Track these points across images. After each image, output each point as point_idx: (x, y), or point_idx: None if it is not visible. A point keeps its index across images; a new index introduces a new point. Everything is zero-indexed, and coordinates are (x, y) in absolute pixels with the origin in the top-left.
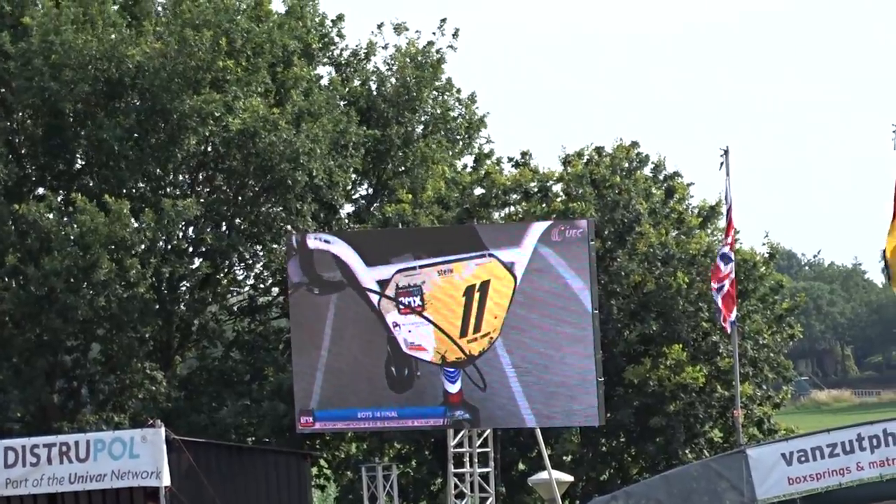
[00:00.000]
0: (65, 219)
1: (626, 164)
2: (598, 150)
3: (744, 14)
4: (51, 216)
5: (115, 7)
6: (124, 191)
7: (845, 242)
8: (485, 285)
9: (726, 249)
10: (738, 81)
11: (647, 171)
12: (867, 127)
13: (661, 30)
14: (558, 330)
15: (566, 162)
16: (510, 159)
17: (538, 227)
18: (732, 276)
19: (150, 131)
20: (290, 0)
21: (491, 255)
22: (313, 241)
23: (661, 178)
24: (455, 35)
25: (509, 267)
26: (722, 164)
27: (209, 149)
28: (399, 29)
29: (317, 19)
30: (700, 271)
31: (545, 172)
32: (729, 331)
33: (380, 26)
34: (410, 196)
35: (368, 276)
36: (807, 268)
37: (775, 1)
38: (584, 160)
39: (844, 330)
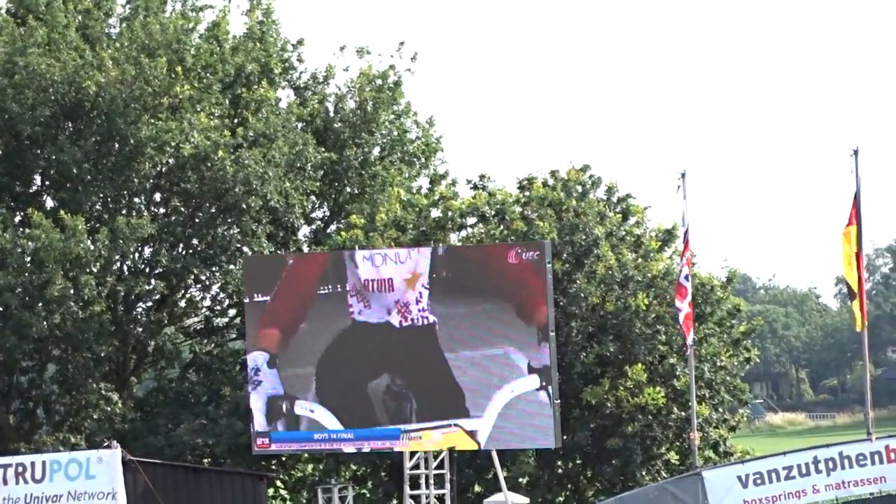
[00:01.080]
0: (20, 237)
1: (580, 188)
2: (553, 173)
3: (699, 38)
4: (6, 234)
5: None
6: (81, 212)
7: (800, 266)
8: (451, 449)
9: (684, 270)
10: (695, 105)
11: (600, 193)
12: (824, 151)
13: (617, 52)
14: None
15: (522, 187)
16: (468, 181)
17: (500, 399)
18: (689, 298)
19: (108, 155)
20: (251, 22)
21: (456, 426)
22: (299, 409)
23: (614, 200)
24: (413, 58)
25: (472, 434)
26: (679, 187)
27: (164, 170)
28: (361, 52)
29: (279, 44)
30: (658, 294)
31: (502, 195)
32: (686, 352)
33: (342, 48)
34: (363, 221)
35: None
36: (762, 291)
37: (730, 24)
38: (540, 183)
39: (799, 353)
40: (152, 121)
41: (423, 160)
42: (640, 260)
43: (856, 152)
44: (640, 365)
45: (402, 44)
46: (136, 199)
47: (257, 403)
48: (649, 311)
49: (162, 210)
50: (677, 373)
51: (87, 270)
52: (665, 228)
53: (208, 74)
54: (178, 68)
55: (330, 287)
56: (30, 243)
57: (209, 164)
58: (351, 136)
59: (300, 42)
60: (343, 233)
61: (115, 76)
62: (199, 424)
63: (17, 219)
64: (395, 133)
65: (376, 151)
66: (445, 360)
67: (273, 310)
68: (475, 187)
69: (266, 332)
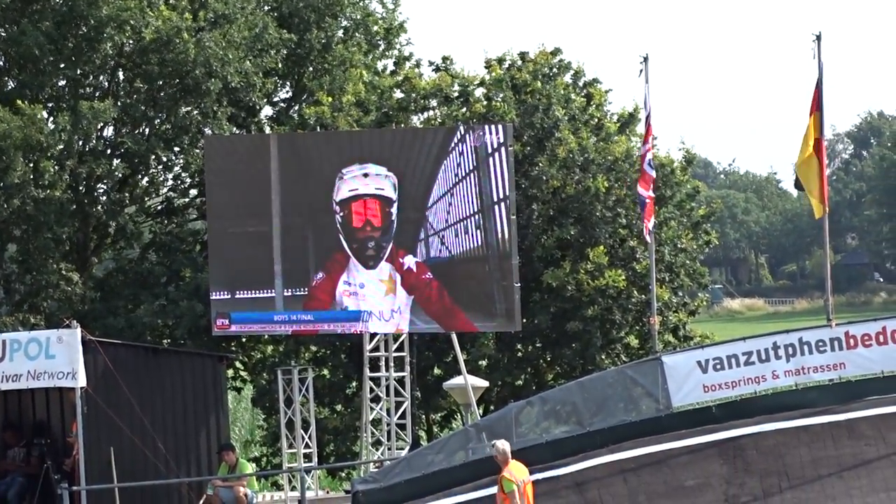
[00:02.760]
0: None
1: (547, 71)
2: (522, 55)
3: None
4: None
5: None
6: (42, 94)
7: (761, 151)
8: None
9: (647, 156)
10: None
11: (567, 78)
12: (786, 36)
13: None
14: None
15: (489, 66)
16: (431, 63)
17: None
18: (652, 185)
19: (67, 37)
20: None
21: None
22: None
23: (581, 84)
24: None
25: None
26: (641, 71)
27: (126, 51)
28: None
29: None
30: (619, 177)
31: (466, 77)
32: (648, 239)
33: None
34: (330, 99)
35: None
36: (722, 176)
37: None
38: (506, 65)
39: (759, 238)
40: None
41: (386, 42)
42: (600, 143)
43: (818, 37)
44: (600, 248)
45: None
46: (99, 79)
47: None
48: (609, 195)
49: (125, 90)
50: (637, 256)
51: (48, 155)
52: (628, 112)
53: None
54: None
55: None
56: None
57: (171, 48)
58: (316, 20)
59: None
60: (309, 108)
61: None
62: (160, 306)
63: None
64: (359, 16)
65: (339, 34)
66: None
67: None
68: (437, 69)
69: None
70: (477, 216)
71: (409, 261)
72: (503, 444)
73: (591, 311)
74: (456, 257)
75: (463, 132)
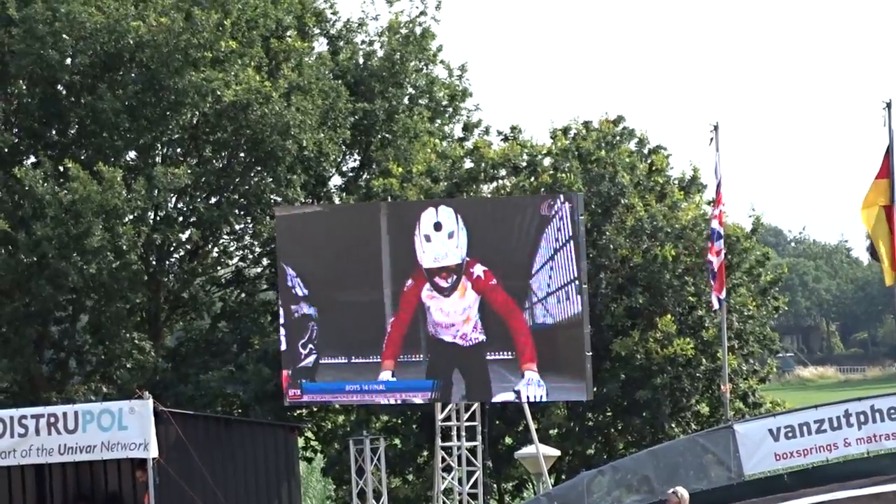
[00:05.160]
0: (57, 188)
1: (611, 139)
2: (586, 124)
3: None
4: (46, 186)
5: None
6: (117, 161)
7: (831, 219)
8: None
9: (715, 225)
10: (727, 55)
11: (631, 145)
12: (856, 103)
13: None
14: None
15: (554, 137)
16: (500, 133)
17: None
18: (723, 253)
19: (147, 104)
20: None
21: None
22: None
23: (645, 152)
24: (438, 6)
25: None
26: (712, 139)
27: (201, 121)
28: (391, 1)
29: None
30: (686, 245)
31: (534, 146)
32: (717, 307)
33: None
34: (400, 169)
35: None
36: (792, 244)
37: None
38: (571, 134)
39: (830, 307)
40: (193, 73)
41: (451, 109)
42: (667, 210)
43: (888, 105)
44: (668, 316)
45: None
46: (172, 149)
47: (288, 348)
48: (677, 263)
49: (195, 160)
50: (706, 324)
51: (123, 221)
52: (688, 177)
53: (251, 30)
54: (228, 21)
55: None
56: (68, 195)
57: (247, 113)
58: (381, 90)
59: None
60: (378, 179)
61: (164, 22)
62: (228, 372)
63: (52, 167)
64: (423, 82)
65: (406, 101)
66: None
67: None
68: (506, 138)
69: None
70: (575, 282)
71: (478, 269)
72: (685, 493)
73: (659, 379)
74: (558, 324)
75: (537, 203)
